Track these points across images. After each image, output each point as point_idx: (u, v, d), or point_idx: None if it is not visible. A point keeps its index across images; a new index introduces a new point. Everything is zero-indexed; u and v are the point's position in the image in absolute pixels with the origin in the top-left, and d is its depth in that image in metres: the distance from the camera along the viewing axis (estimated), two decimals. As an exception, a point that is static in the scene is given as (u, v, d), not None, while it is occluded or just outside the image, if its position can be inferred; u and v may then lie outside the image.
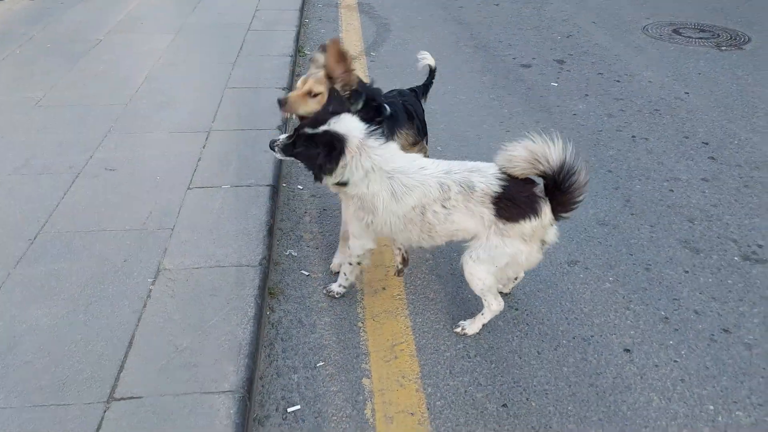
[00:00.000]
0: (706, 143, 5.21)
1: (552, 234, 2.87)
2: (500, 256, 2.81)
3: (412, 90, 3.81)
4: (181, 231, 3.69)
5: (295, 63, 6.64)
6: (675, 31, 7.95)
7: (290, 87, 5.91)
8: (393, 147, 2.90)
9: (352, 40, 7.65)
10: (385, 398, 2.87)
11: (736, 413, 2.79)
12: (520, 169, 2.72)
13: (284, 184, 4.52)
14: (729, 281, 3.61)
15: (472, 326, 3.19)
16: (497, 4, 9.23)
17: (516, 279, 3.40)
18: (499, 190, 2.72)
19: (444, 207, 2.78)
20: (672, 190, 4.52)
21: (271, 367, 3.04)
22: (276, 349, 3.14)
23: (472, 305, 3.40)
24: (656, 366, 3.04)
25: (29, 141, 4.72)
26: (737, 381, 2.95)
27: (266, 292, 3.40)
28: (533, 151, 2.63)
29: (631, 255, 3.84)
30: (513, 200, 2.71)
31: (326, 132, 2.74)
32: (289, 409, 2.81)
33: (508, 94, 6.22)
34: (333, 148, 2.72)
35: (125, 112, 5.23)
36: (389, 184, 2.80)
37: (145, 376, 2.74)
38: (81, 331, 2.96)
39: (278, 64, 6.31)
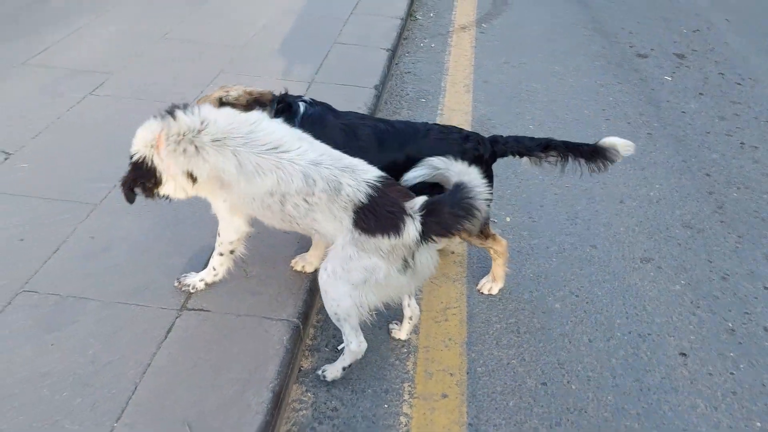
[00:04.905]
0: (823, 161, 4.86)
1: (425, 259, 2.55)
2: (355, 270, 2.51)
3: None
4: (269, 171, 3.92)
5: (405, 26, 6.71)
6: (818, 38, 7.34)
7: (395, 49, 6.02)
8: (207, 108, 2.76)
9: (466, 9, 7.61)
10: (429, 355, 2.98)
11: (784, 435, 2.70)
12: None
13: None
14: (812, 305, 3.43)
15: (331, 370, 2.83)
16: (626, -11, 8.85)
17: (411, 319, 3.01)
18: (364, 200, 2.48)
19: (306, 201, 2.55)
20: (772, 204, 4.29)
21: (329, 308, 3.24)
22: (336, 293, 3.32)
23: (531, 284, 3.44)
24: (710, 374, 2.97)
25: (150, 70, 5.12)
26: (794, 404, 2.84)
27: (337, 239, 3.58)
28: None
29: (710, 262, 3.71)
30: (374, 213, 2.47)
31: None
32: (339, 347, 2.97)
33: (618, 83, 6.03)
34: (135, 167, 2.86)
35: (239, 54, 5.54)
36: (232, 156, 2.58)
37: (216, 295, 3.00)
38: (166, 246, 3.27)
39: (388, 25, 6.41)
